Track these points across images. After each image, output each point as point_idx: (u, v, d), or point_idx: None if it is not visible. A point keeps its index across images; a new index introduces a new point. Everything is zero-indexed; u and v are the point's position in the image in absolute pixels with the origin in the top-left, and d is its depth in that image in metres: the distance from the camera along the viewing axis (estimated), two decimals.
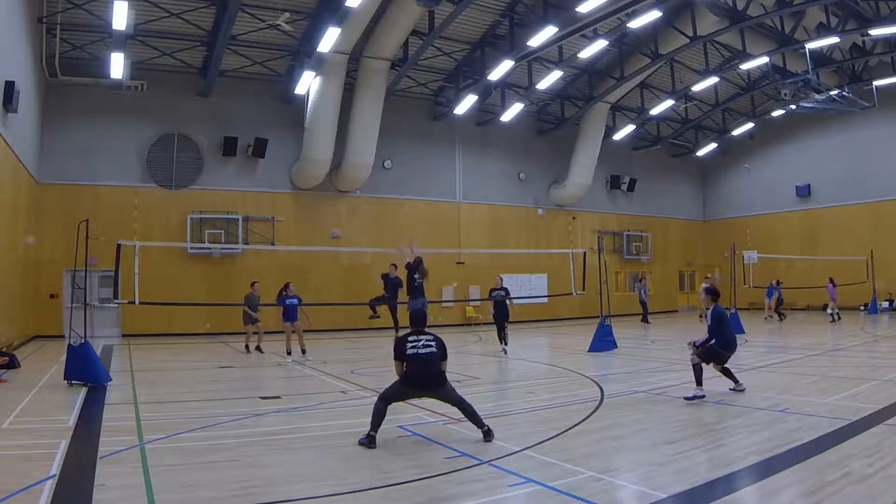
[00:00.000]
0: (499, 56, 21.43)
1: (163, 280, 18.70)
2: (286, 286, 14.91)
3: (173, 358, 15.40)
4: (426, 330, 7.03)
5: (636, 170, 32.05)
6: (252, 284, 16.35)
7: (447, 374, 6.82)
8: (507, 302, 15.67)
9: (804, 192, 30.38)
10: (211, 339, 19.98)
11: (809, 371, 10.93)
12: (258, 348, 15.78)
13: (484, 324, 25.85)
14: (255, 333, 16.02)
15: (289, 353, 14.38)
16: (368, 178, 23.78)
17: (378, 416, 6.43)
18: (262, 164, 22.80)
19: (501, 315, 15.67)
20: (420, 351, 6.70)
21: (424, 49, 20.71)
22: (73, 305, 12.65)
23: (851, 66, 25.85)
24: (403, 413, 7.00)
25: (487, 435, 6.40)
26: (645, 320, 24.38)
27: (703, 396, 8.24)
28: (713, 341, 8.51)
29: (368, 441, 6.25)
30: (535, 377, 11.69)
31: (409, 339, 6.79)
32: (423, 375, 6.60)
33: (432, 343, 6.76)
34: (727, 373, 8.67)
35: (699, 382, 8.42)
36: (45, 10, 17.66)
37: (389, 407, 6.61)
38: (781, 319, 23.40)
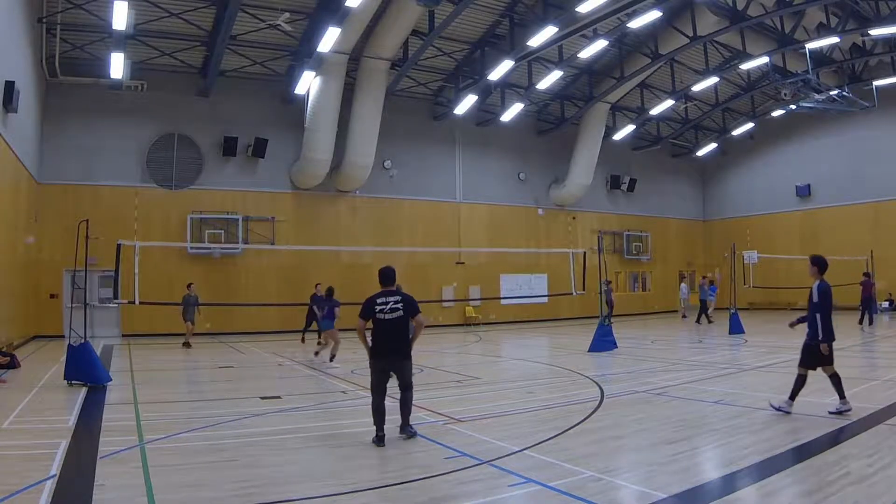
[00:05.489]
0: (499, 56, 21.42)
1: (163, 280, 18.70)
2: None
3: (173, 358, 15.40)
4: (394, 290, 6.76)
5: (636, 170, 32.04)
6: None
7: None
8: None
9: (804, 192, 30.37)
10: (211, 339, 19.98)
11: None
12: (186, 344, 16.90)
13: (484, 323, 25.90)
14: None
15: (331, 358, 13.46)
16: (368, 178, 23.78)
17: (376, 413, 6.41)
18: (262, 164, 22.79)
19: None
20: (387, 316, 6.53)
21: (424, 49, 20.70)
22: (73, 305, 12.65)
23: (851, 66, 25.84)
24: None
25: (404, 429, 6.52)
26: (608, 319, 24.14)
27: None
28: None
29: (378, 441, 6.28)
30: (535, 377, 11.69)
31: (378, 300, 6.61)
32: (388, 345, 6.51)
33: (399, 306, 6.57)
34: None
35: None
36: (45, 10, 17.66)
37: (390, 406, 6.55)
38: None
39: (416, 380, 7.02)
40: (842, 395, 7.31)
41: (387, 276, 6.77)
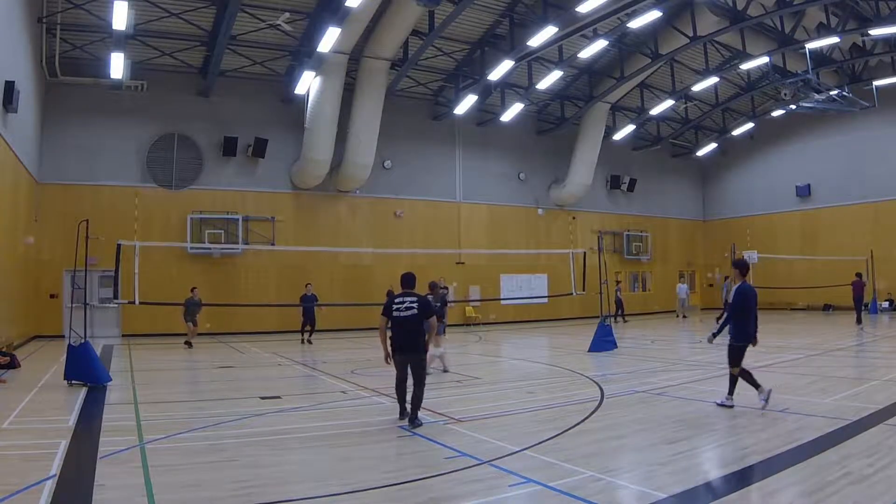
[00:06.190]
0: (499, 56, 21.42)
1: (163, 280, 18.70)
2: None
3: (173, 358, 15.39)
4: (413, 291, 7.55)
5: (636, 170, 32.03)
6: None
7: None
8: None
9: (804, 192, 30.37)
10: (211, 339, 19.98)
11: (809, 371, 10.92)
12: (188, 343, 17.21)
13: (484, 323, 25.90)
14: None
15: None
16: (368, 178, 23.78)
17: (397, 391, 7.44)
18: (262, 164, 22.79)
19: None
20: (402, 313, 7.28)
21: (424, 49, 20.70)
22: (73, 305, 12.65)
23: (851, 66, 25.84)
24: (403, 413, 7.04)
25: (412, 421, 7.09)
26: (623, 318, 25.70)
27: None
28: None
29: (402, 412, 7.35)
30: (535, 377, 11.68)
31: (396, 299, 7.43)
32: (402, 340, 7.29)
33: (415, 305, 7.30)
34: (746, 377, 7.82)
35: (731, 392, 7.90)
36: (45, 10, 17.66)
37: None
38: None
39: None
40: (730, 392, 7.81)
41: (406, 280, 7.65)
